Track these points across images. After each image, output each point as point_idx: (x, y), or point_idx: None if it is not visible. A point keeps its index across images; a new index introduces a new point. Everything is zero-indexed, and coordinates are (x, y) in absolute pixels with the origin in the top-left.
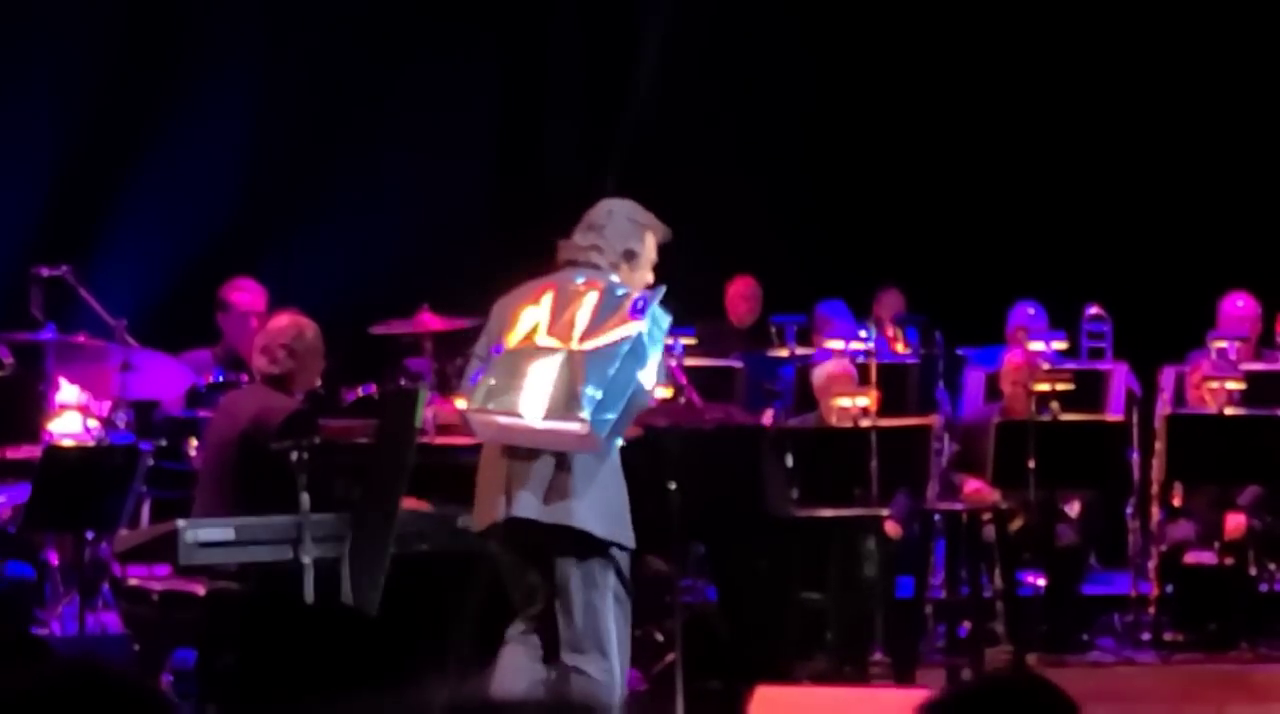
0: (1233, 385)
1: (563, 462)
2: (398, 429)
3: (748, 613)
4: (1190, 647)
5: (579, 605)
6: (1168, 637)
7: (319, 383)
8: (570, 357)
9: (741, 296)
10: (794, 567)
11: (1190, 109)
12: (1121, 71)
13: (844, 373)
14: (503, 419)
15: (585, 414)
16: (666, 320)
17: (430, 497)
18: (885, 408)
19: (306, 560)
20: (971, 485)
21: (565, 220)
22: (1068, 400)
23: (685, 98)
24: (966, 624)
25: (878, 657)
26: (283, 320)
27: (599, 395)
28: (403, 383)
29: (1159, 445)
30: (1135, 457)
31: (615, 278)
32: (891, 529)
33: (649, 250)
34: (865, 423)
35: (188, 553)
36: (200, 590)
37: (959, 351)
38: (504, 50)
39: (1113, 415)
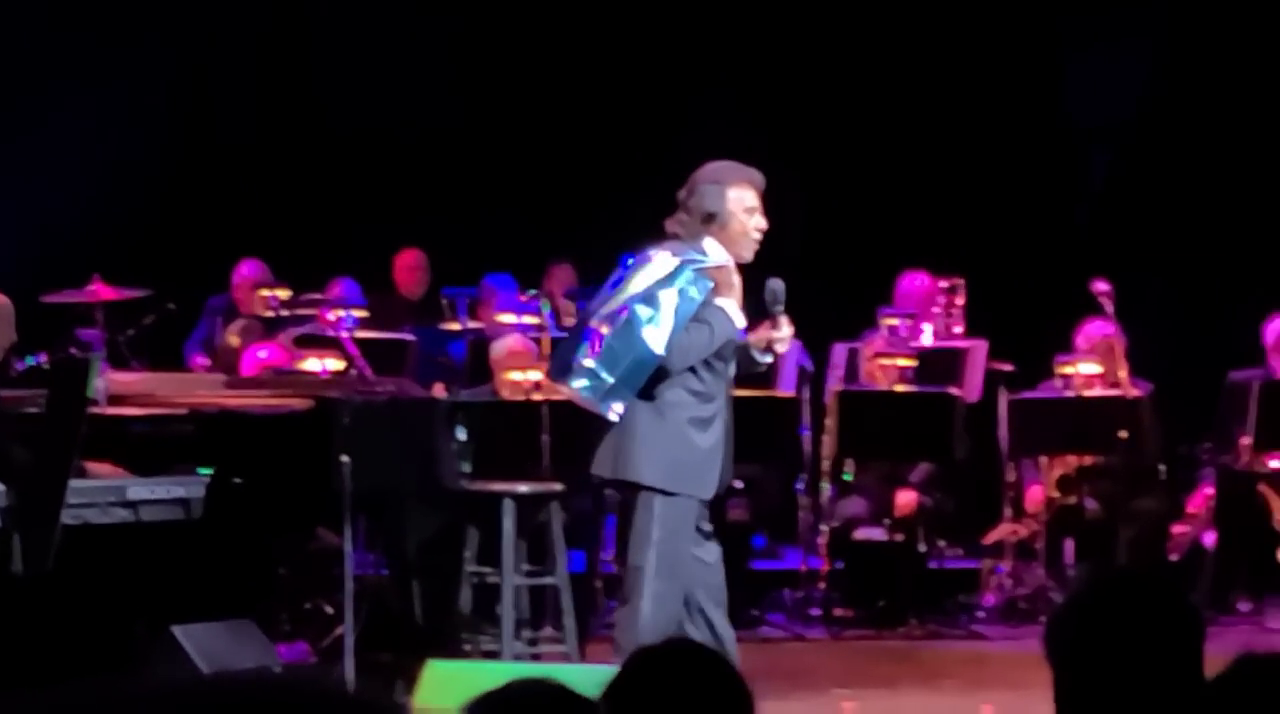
0: (904, 362)
1: (625, 421)
2: (69, 399)
3: (419, 586)
4: (860, 623)
5: (630, 545)
6: (837, 613)
7: None
8: (586, 326)
9: (409, 269)
10: (465, 540)
11: (862, 87)
12: (796, 48)
13: (524, 349)
14: (557, 386)
15: (574, 381)
16: (700, 287)
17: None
18: None
19: None
20: None
21: (238, 188)
22: (739, 377)
23: (355, 65)
24: None
25: (549, 631)
26: None
27: (591, 363)
28: (74, 352)
29: (830, 422)
30: (806, 433)
31: (706, 242)
32: None
33: (735, 203)
34: (537, 396)
35: None
36: None
37: None
38: (176, 14)
39: (784, 391)
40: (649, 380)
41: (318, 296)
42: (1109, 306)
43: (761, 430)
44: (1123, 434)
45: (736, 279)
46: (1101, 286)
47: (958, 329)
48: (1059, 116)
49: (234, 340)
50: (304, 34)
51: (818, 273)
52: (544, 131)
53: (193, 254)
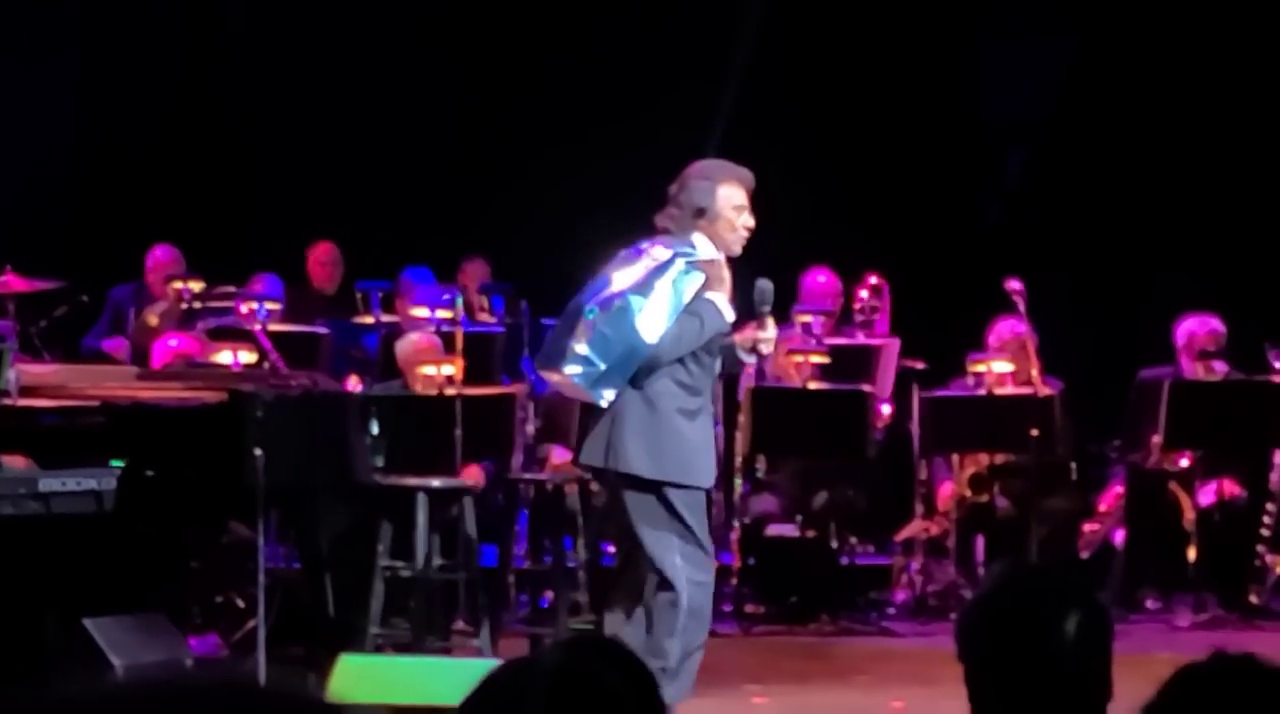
0: (817, 359)
1: (615, 412)
2: None
3: (331, 580)
4: (771, 619)
5: (642, 542)
6: (749, 609)
7: None
8: (580, 316)
9: (321, 263)
10: (378, 534)
11: (777, 81)
12: (708, 43)
13: (429, 344)
14: (546, 374)
15: (567, 367)
16: (690, 279)
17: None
18: (470, 377)
19: None
20: (556, 455)
21: (151, 180)
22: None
23: (272, 53)
24: (549, 594)
25: (460, 625)
26: None
27: (585, 350)
28: None
29: (742, 418)
30: (719, 429)
31: (696, 236)
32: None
33: (724, 200)
34: (450, 391)
35: None
36: None
37: (544, 322)
38: (88, 8)
39: None
40: (638, 371)
41: (231, 289)
42: (1021, 305)
43: None
44: (1034, 432)
45: (727, 274)
46: (1014, 285)
47: (878, 341)
48: (974, 114)
49: (153, 320)
50: (216, 24)
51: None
52: (459, 127)
53: (106, 246)
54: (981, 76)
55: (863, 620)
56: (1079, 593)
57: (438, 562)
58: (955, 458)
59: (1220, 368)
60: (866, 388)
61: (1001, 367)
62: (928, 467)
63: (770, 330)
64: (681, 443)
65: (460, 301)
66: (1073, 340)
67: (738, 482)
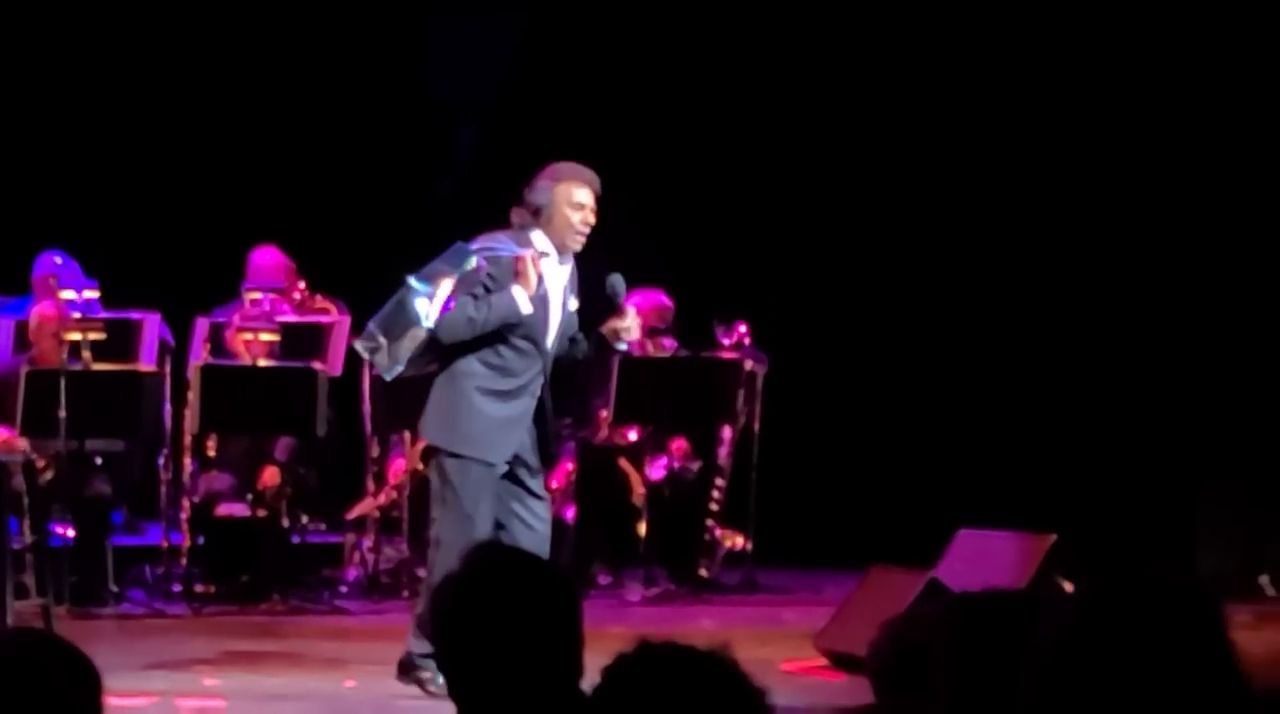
0: (267, 337)
1: (430, 387)
2: None
3: None
4: (222, 598)
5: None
6: (199, 589)
7: None
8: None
9: None
10: None
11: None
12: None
13: None
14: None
15: (359, 342)
16: (469, 261)
17: None
18: None
19: None
20: (1, 435)
21: None
22: (100, 350)
23: None
24: None
25: None
26: None
27: (372, 326)
28: None
29: (192, 396)
30: (168, 407)
31: (534, 233)
32: None
33: (560, 199)
34: None
35: None
36: None
37: None
38: None
39: (146, 365)
40: (449, 350)
41: None
42: None
43: (123, 404)
44: None
45: (535, 270)
46: None
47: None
48: (422, 91)
49: None
50: None
51: (177, 244)
52: None
53: None
54: (429, 53)
55: (315, 599)
56: (545, 572)
57: None
58: (407, 434)
59: (669, 344)
60: (317, 365)
61: None
62: (380, 444)
63: (629, 318)
64: (475, 418)
65: None
66: None
67: (187, 460)
